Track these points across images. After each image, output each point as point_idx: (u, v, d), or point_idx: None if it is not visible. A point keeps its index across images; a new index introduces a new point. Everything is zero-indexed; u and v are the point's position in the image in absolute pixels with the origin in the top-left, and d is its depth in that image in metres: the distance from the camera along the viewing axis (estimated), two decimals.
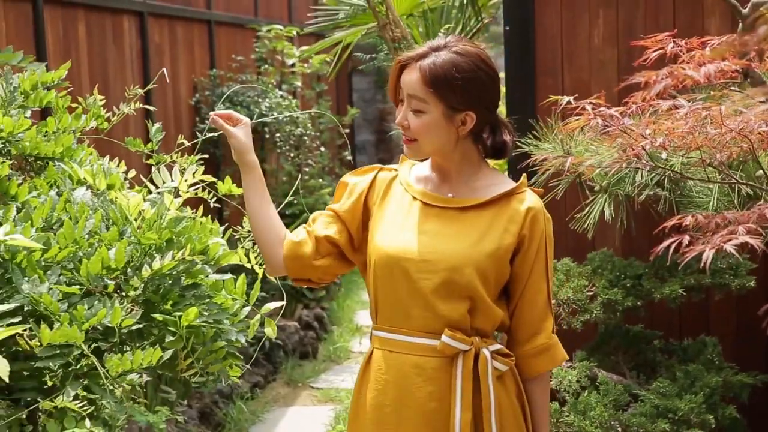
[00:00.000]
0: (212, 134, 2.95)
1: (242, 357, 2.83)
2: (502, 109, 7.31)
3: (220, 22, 7.84)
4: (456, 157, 2.59)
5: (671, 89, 2.24)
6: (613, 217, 3.70)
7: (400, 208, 2.65)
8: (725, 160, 2.29)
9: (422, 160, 2.70)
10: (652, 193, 3.65)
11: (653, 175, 3.23)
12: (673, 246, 1.98)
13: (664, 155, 2.42)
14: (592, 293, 3.94)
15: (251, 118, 6.79)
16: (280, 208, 2.95)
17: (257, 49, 8.34)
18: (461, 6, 5.19)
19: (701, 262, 3.94)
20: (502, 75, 9.60)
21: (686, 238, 1.98)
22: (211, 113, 2.73)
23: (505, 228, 2.55)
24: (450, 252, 2.53)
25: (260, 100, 7.36)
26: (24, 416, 2.50)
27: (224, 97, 4.19)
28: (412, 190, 2.65)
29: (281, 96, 7.65)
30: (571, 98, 2.58)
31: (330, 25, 5.37)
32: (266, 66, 8.28)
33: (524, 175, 2.67)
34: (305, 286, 2.85)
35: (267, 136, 7.75)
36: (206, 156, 2.98)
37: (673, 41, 2.43)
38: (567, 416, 3.65)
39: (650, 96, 2.21)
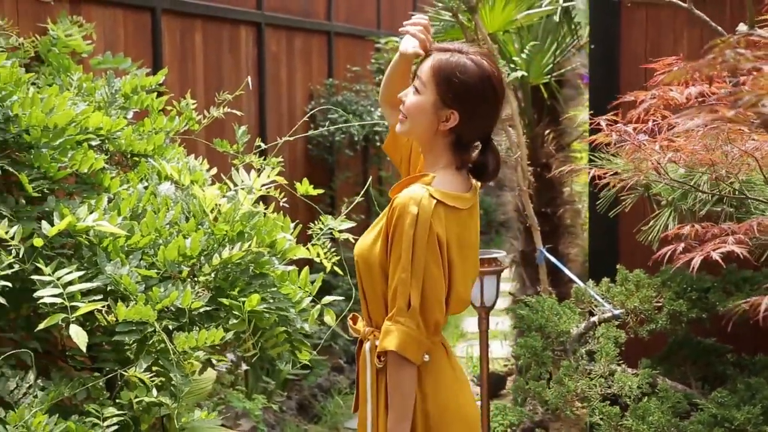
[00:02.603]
0: (316, 132, 3.22)
1: (309, 344, 3.10)
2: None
3: (339, 33, 8.15)
4: (428, 150, 2.76)
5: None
6: None
7: None
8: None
9: None
10: (720, 209, 3.75)
11: (714, 191, 3.35)
12: (668, 254, 2.14)
13: (681, 170, 2.56)
14: (659, 304, 4.06)
15: (362, 126, 7.06)
16: None
17: (374, 60, 8.61)
18: (557, 24, 5.32)
19: None
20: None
21: (681, 246, 2.13)
22: (418, 20, 2.85)
23: (382, 222, 2.71)
24: (356, 249, 2.79)
25: (372, 109, 7.61)
26: (102, 384, 2.79)
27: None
28: None
29: None
30: (589, 113, 2.74)
31: None
32: (382, 77, 8.52)
33: (431, 175, 2.72)
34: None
35: (378, 144, 8.00)
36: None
37: (682, 64, 2.56)
38: (626, 420, 3.78)
39: (638, 113, 2.37)
